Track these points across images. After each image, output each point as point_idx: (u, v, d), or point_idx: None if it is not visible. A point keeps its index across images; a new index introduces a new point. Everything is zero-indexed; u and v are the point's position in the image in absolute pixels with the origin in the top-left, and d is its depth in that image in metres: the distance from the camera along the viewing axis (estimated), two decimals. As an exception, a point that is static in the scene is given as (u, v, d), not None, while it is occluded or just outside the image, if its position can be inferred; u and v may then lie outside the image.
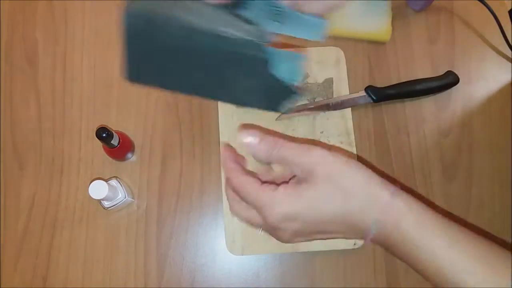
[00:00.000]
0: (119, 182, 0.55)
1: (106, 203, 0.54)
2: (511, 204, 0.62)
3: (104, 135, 0.50)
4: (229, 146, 0.42)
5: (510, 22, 0.64)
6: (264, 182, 0.39)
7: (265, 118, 0.62)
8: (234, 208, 0.42)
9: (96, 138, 0.51)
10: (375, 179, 0.38)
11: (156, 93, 0.64)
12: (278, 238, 0.40)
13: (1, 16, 0.66)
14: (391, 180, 0.39)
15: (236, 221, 0.58)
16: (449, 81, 0.64)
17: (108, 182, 0.52)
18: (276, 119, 0.62)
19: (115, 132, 0.54)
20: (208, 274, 0.59)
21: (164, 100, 0.63)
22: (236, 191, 0.41)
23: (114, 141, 0.53)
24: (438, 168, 0.63)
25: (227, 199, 0.43)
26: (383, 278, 0.59)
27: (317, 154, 0.38)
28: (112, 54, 0.65)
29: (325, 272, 0.59)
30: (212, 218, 0.60)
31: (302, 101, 0.63)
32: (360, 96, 0.63)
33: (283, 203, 0.37)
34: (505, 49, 0.67)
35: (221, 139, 0.61)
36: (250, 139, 0.40)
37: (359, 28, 0.66)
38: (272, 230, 0.40)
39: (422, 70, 0.66)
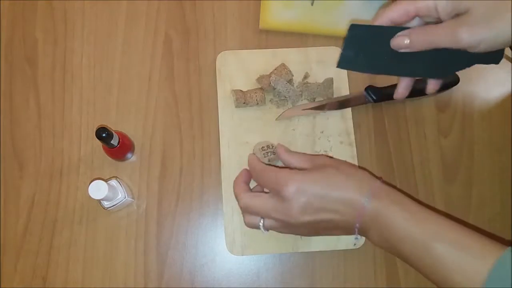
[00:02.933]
0: (119, 182, 0.55)
1: (106, 203, 0.54)
2: (511, 204, 0.62)
3: (104, 135, 0.50)
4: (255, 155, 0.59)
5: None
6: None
7: (265, 118, 0.62)
8: (243, 199, 0.51)
9: (96, 138, 0.50)
10: (365, 172, 0.49)
11: (156, 93, 0.64)
12: (288, 215, 0.47)
13: (1, 16, 0.66)
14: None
15: (236, 221, 0.58)
16: (449, 81, 0.64)
17: (108, 182, 0.52)
18: (276, 119, 0.62)
19: (115, 132, 0.54)
20: (208, 274, 0.59)
21: (164, 100, 0.64)
22: (258, 176, 0.51)
23: (114, 141, 0.53)
24: (438, 168, 0.63)
25: (236, 194, 0.52)
26: (383, 278, 0.59)
27: (324, 156, 0.54)
28: (112, 54, 0.65)
29: (325, 272, 0.59)
30: (212, 218, 0.60)
31: (302, 101, 0.63)
32: (360, 96, 0.63)
33: (297, 178, 0.46)
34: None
35: (221, 139, 0.61)
36: (281, 145, 0.55)
37: (359, 28, 0.66)
38: (283, 208, 0.47)
39: None
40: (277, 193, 0.47)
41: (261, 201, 0.49)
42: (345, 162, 0.51)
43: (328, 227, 0.48)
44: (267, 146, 0.59)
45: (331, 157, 0.51)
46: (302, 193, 0.46)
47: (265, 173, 0.50)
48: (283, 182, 0.46)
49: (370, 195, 0.45)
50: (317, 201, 0.46)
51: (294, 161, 0.51)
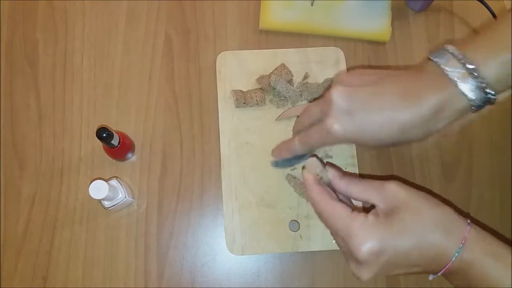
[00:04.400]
0: (119, 182, 0.55)
1: (106, 203, 0.54)
2: (511, 204, 0.62)
3: (104, 135, 0.50)
4: (309, 171, 0.46)
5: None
6: (353, 210, 0.42)
7: (265, 118, 0.62)
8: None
9: (96, 138, 0.51)
10: (450, 210, 0.41)
11: (156, 93, 0.64)
12: (359, 274, 0.40)
13: (1, 16, 0.66)
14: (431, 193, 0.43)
15: (236, 220, 0.58)
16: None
17: (108, 182, 0.52)
18: (276, 119, 0.62)
19: (115, 132, 0.54)
20: (208, 274, 0.59)
21: (164, 100, 0.64)
22: (322, 216, 0.43)
23: (114, 141, 0.53)
24: (438, 168, 0.63)
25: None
26: (383, 278, 0.59)
27: (394, 185, 0.41)
28: (112, 54, 0.65)
29: (325, 272, 0.59)
30: (212, 218, 0.60)
31: (302, 101, 0.63)
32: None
33: (374, 235, 0.38)
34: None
35: (221, 139, 0.61)
36: (335, 172, 0.45)
37: (359, 28, 0.66)
38: (357, 265, 0.40)
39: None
40: (347, 247, 0.40)
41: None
42: (423, 194, 0.41)
43: (409, 272, 0.41)
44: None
45: (400, 183, 0.41)
46: (380, 254, 0.38)
47: (332, 215, 0.41)
48: (357, 239, 0.38)
49: (460, 245, 0.38)
50: (397, 260, 0.39)
51: (357, 193, 0.43)
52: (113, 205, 0.55)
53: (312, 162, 0.46)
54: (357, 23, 0.66)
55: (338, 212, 0.41)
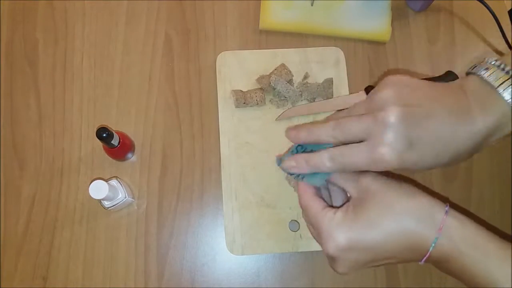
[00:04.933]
0: (119, 182, 0.55)
1: (106, 203, 0.54)
2: (511, 204, 0.62)
3: (104, 135, 0.50)
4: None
5: (509, 22, 0.64)
6: (328, 206, 0.41)
7: (265, 118, 0.62)
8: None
9: (96, 138, 0.51)
10: (426, 198, 0.39)
11: (156, 93, 0.64)
12: (334, 268, 0.41)
13: (1, 16, 0.66)
14: (429, 191, 0.41)
15: (236, 220, 0.58)
16: (449, 81, 0.64)
17: (108, 182, 0.52)
18: (276, 119, 0.62)
19: (115, 132, 0.54)
20: (208, 274, 0.59)
21: (164, 100, 0.64)
22: (302, 211, 0.44)
23: (114, 141, 0.53)
24: (438, 168, 0.63)
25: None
26: (383, 278, 0.59)
27: (368, 177, 0.40)
28: (112, 54, 0.65)
29: (325, 272, 0.59)
30: (212, 218, 0.60)
31: (302, 101, 0.63)
32: (360, 96, 0.63)
33: (340, 232, 0.38)
34: (504, 49, 0.67)
35: (221, 139, 0.61)
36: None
37: (359, 28, 0.66)
38: (329, 259, 0.41)
39: (422, 70, 0.66)
40: (319, 240, 0.41)
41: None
42: (397, 185, 0.40)
43: (385, 264, 0.41)
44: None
45: (377, 175, 0.41)
46: (350, 250, 0.38)
47: (308, 210, 0.42)
48: (325, 236, 0.39)
49: (436, 234, 0.37)
50: (368, 255, 0.39)
51: (337, 179, 0.43)
52: (113, 205, 0.55)
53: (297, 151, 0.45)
54: (357, 23, 0.66)
55: (313, 207, 0.41)
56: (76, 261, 0.58)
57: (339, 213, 0.40)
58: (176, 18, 0.67)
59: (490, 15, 0.63)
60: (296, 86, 0.63)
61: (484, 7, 0.63)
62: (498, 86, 0.38)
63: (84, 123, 0.62)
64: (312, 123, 0.45)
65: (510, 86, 0.37)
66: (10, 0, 0.66)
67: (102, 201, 0.54)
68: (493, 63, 0.39)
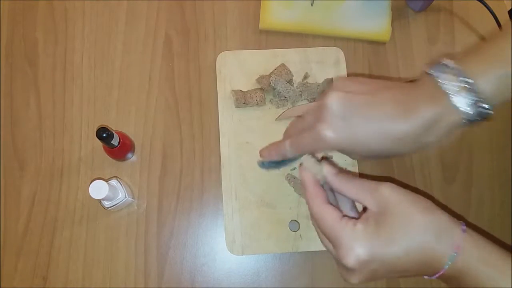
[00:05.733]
0: (119, 182, 0.55)
1: (106, 203, 0.54)
2: (511, 205, 0.62)
3: (104, 135, 0.50)
4: (307, 170, 0.45)
5: (508, 22, 0.64)
6: (345, 216, 0.41)
7: (265, 118, 0.62)
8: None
9: (96, 138, 0.51)
10: (445, 215, 0.39)
11: (156, 93, 0.64)
12: (348, 279, 0.40)
13: (1, 16, 0.66)
14: (428, 196, 0.41)
15: (236, 220, 0.58)
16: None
17: (108, 182, 0.52)
18: (276, 119, 0.62)
19: (115, 132, 0.54)
20: (208, 274, 0.59)
21: (164, 100, 0.64)
22: (314, 219, 0.42)
23: (114, 141, 0.53)
24: (438, 168, 0.63)
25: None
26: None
27: (387, 188, 0.40)
28: (112, 54, 0.65)
29: (325, 272, 0.59)
30: (212, 218, 0.60)
31: (302, 101, 0.63)
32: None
33: (362, 245, 0.38)
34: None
35: (221, 139, 0.61)
36: (330, 168, 0.44)
37: (359, 28, 0.66)
38: (345, 270, 0.40)
39: (422, 70, 0.66)
40: (336, 253, 0.40)
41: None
42: (416, 198, 0.40)
43: (401, 277, 0.42)
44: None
45: (394, 186, 0.40)
46: (369, 262, 0.38)
47: (323, 220, 0.41)
48: (345, 248, 0.38)
49: (453, 252, 0.37)
50: (386, 267, 0.39)
51: (351, 193, 0.42)
52: (113, 205, 0.55)
53: (308, 159, 0.45)
54: (357, 23, 0.66)
55: (328, 217, 0.41)
56: (76, 261, 0.58)
57: (360, 225, 0.39)
58: (176, 18, 0.67)
59: (490, 15, 0.63)
60: (296, 86, 0.63)
61: (484, 7, 0.63)
62: (452, 95, 0.39)
63: (84, 123, 0.62)
64: (278, 142, 0.49)
65: (465, 97, 0.38)
66: (10, 0, 0.66)
67: (102, 201, 0.54)
68: (450, 67, 0.40)
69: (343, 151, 0.44)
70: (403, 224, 0.38)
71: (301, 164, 0.46)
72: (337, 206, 0.44)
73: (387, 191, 0.40)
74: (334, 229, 0.40)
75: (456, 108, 0.39)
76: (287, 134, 0.51)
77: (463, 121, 0.39)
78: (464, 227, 0.39)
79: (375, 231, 0.38)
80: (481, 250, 0.38)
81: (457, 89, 0.39)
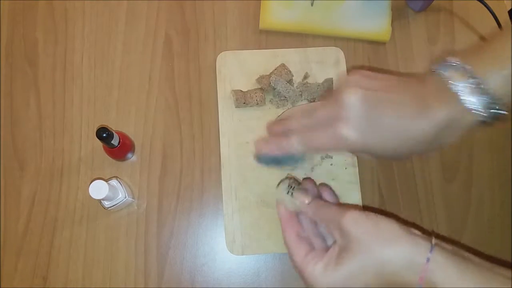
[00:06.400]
0: (119, 182, 0.55)
1: (106, 203, 0.54)
2: (511, 205, 0.62)
3: (104, 135, 0.50)
4: (282, 202, 0.47)
5: (509, 22, 0.64)
6: (310, 251, 0.43)
7: (265, 118, 0.62)
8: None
9: (96, 138, 0.51)
10: (408, 244, 0.38)
11: (156, 93, 0.64)
12: None
13: (1, 16, 0.66)
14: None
15: (236, 220, 0.58)
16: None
17: (108, 182, 0.52)
18: (276, 119, 0.62)
19: (115, 132, 0.54)
20: (208, 274, 0.59)
21: (164, 100, 0.64)
22: (287, 250, 0.45)
23: (114, 141, 0.53)
24: (438, 168, 0.63)
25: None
26: None
27: (349, 220, 0.40)
28: (112, 54, 0.65)
29: (325, 272, 0.59)
30: (212, 218, 0.60)
31: (302, 101, 0.63)
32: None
33: (321, 282, 0.40)
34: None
35: (221, 139, 0.61)
36: (303, 198, 0.45)
37: (359, 28, 0.66)
38: None
39: (422, 70, 0.66)
40: (303, 281, 0.42)
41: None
42: (378, 227, 0.39)
43: None
44: (288, 184, 0.49)
45: (358, 214, 0.40)
46: None
47: (291, 252, 0.44)
48: (307, 282, 0.41)
49: (419, 285, 0.37)
50: None
51: (322, 221, 0.44)
52: (113, 205, 0.55)
53: (282, 191, 0.47)
54: (357, 23, 0.66)
55: (296, 252, 0.43)
56: (76, 261, 0.58)
57: (320, 265, 0.40)
58: (176, 18, 0.67)
59: (490, 15, 0.63)
60: (296, 86, 0.63)
61: (484, 7, 0.63)
62: (464, 96, 0.38)
63: (84, 123, 0.62)
64: (281, 136, 0.46)
65: (477, 98, 0.38)
66: (10, 0, 0.66)
67: (102, 201, 0.54)
68: (458, 66, 0.39)
69: (358, 151, 0.43)
70: (362, 260, 0.38)
71: (278, 186, 0.48)
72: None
73: (349, 223, 0.40)
74: (299, 264, 0.42)
75: (469, 109, 0.38)
76: (285, 129, 0.47)
77: (478, 122, 0.39)
78: (431, 249, 0.37)
79: (334, 268, 0.39)
80: (449, 272, 0.36)
81: (468, 90, 0.38)
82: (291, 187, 0.48)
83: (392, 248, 0.38)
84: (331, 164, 0.61)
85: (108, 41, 0.65)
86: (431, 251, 0.37)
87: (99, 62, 0.65)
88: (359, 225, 0.39)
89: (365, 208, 0.59)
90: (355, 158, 0.61)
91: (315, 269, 0.40)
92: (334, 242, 0.42)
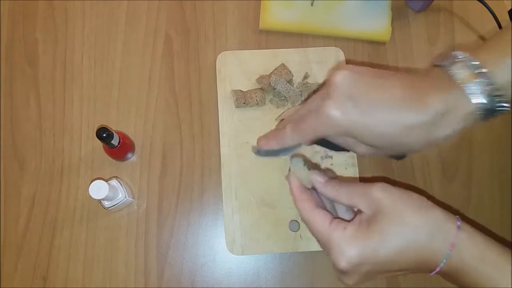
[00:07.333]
0: (119, 182, 0.55)
1: (106, 203, 0.54)
2: (511, 204, 0.62)
3: (104, 135, 0.50)
4: (295, 175, 0.44)
5: (509, 22, 0.64)
6: (335, 218, 0.41)
7: (265, 118, 0.62)
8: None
9: (96, 138, 0.51)
10: (439, 212, 0.38)
11: (156, 93, 0.64)
12: (344, 281, 0.40)
13: (1, 16, 0.66)
14: (422, 193, 0.41)
15: (236, 220, 0.58)
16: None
17: (108, 182, 0.52)
18: (276, 119, 0.62)
19: (115, 132, 0.54)
20: (208, 274, 0.59)
21: (164, 100, 0.64)
22: (306, 224, 0.42)
23: (114, 141, 0.53)
24: (438, 168, 0.63)
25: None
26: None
27: (379, 190, 0.39)
28: (112, 54, 0.65)
29: (325, 272, 0.59)
30: (212, 218, 0.60)
31: (302, 101, 0.63)
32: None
33: (352, 248, 0.38)
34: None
35: (221, 139, 0.61)
36: (318, 178, 0.43)
37: (359, 28, 0.66)
38: (339, 272, 0.40)
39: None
40: (329, 255, 0.40)
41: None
42: (408, 198, 0.39)
43: (394, 275, 0.41)
44: (303, 159, 0.47)
45: (386, 186, 0.40)
46: (361, 264, 0.38)
47: (313, 225, 0.41)
48: (336, 252, 0.38)
49: (448, 250, 0.37)
50: (379, 268, 0.38)
51: (344, 200, 0.41)
52: (113, 205, 0.55)
53: (296, 163, 0.45)
54: (357, 23, 0.66)
55: (318, 222, 0.41)
56: (76, 261, 0.58)
57: (350, 228, 0.39)
58: (176, 18, 0.67)
59: (490, 15, 0.63)
60: (296, 86, 0.63)
61: (484, 7, 0.63)
62: (463, 83, 0.37)
63: (84, 123, 0.62)
64: (278, 129, 0.46)
65: (477, 85, 0.37)
66: (10, 0, 0.66)
67: (102, 201, 0.54)
68: (461, 58, 0.39)
69: (350, 135, 0.41)
70: (395, 225, 0.38)
71: (290, 169, 0.45)
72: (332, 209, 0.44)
73: (379, 192, 0.39)
74: (324, 233, 0.40)
75: (468, 97, 0.37)
76: (286, 121, 0.47)
77: (477, 112, 0.38)
78: (459, 224, 0.38)
79: (367, 233, 0.38)
80: (477, 248, 0.37)
81: (467, 77, 0.37)
82: (305, 162, 0.46)
83: (426, 215, 0.38)
84: (331, 164, 0.61)
85: (108, 41, 0.65)
86: (459, 221, 0.38)
87: (99, 62, 0.65)
88: (391, 193, 0.39)
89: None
90: (355, 158, 0.61)
91: (345, 232, 0.38)
92: (359, 212, 0.41)
